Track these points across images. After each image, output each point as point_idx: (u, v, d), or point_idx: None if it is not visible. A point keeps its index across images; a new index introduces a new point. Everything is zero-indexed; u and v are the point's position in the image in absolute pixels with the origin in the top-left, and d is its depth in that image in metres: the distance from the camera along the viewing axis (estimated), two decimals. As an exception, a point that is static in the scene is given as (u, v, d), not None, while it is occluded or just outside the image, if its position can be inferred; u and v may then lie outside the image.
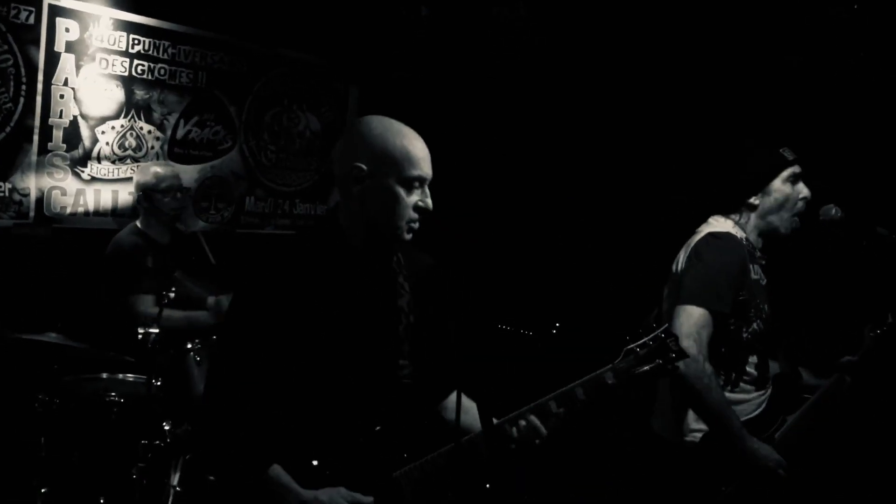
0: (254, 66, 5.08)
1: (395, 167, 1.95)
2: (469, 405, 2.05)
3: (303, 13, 5.13)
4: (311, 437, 1.98)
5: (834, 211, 2.60)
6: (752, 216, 2.66)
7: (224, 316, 2.96)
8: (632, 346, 2.02)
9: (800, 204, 2.63)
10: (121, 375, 3.56)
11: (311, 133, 5.45)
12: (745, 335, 2.57)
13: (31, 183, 4.22)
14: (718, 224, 2.68)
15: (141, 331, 3.18)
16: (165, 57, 4.65)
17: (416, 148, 1.98)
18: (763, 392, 2.65)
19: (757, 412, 2.62)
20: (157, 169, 4.05)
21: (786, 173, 2.61)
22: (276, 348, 1.95)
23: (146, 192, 3.99)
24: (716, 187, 2.71)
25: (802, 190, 2.63)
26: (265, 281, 2.00)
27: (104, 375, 3.55)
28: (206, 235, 4.79)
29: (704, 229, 2.67)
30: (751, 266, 2.59)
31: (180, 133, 4.80)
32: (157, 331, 3.22)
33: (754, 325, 2.58)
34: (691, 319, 2.43)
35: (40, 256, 4.24)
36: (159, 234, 4.03)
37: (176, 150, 4.79)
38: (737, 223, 2.66)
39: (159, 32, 4.61)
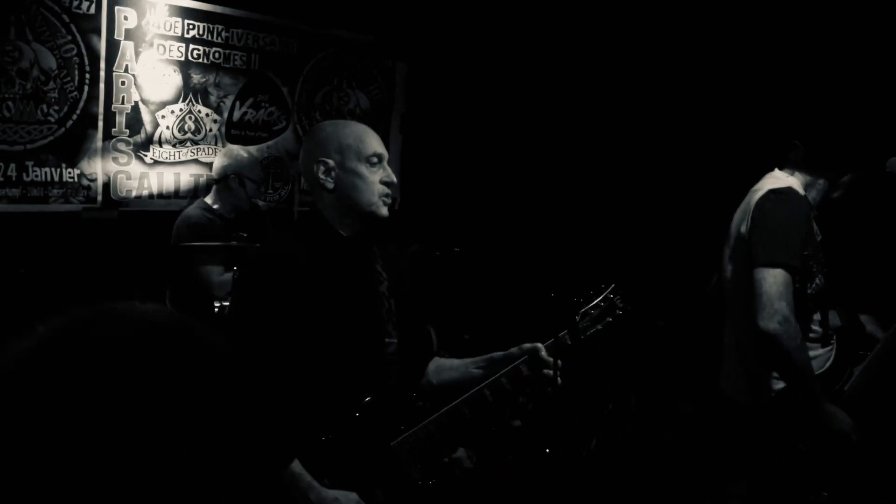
0: (304, 46, 5.17)
1: (353, 151, 2.22)
2: (447, 364, 2.38)
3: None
4: (311, 414, 2.13)
5: None
6: (825, 182, 2.66)
7: (231, 300, 3.08)
8: (586, 307, 2.19)
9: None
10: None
11: (360, 111, 5.53)
12: (809, 291, 2.56)
13: (98, 168, 4.37)
14: (778, 180, 2.65)
15: (217, 304, 3.29)
16: (219, 41, 4.76)
17: (366, 132, 2.27)
18: (829, 348, 2.65)
19: (824, 368, 2.62)
20: (249, 157, 4.21)
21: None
22: (280, 332, 2.12)
23: (241, 177, 4.10)
24: (790, 146, 2.66)
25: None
26: (259, 273, 2.20)
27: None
28: (265, 214, 4.94)
29: (764, 185, 2.64)
30: (812, 222, 2.59)
31: (236, 115, 4.92)
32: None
33: (817, 281, 2.57)
34: (777, 280, 2.41)
35: (109, 239, 4.39)
36: (228, 210, 4.14)
37: (233, 132, 4.91)
38: (811, 178, 2.65)
39: (213, 17, 4.72)
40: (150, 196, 4.60)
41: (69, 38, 4.19)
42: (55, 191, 4.23)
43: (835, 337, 2.71)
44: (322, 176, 2.23)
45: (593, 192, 5.28)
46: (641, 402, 4.37)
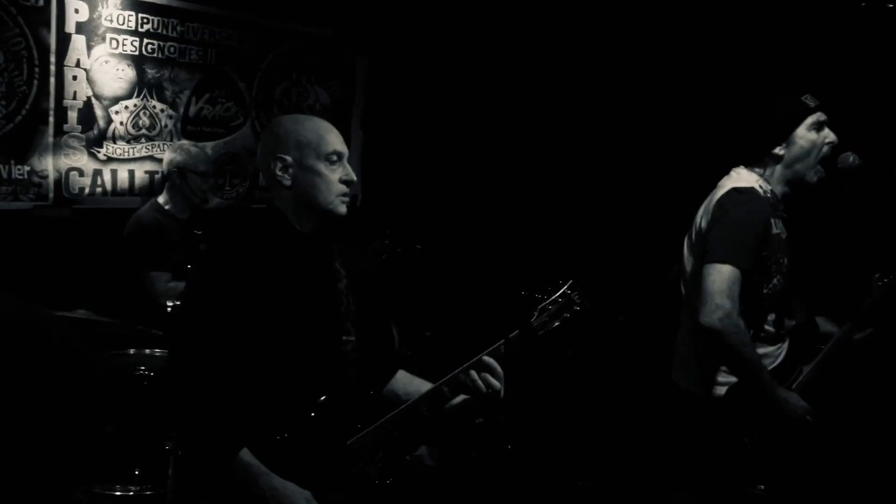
0: (261, 41, 5.10)
1: (312, 148, 2.18)
2: (410, 377, 2.37)
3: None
4: (266, 412, 2.11)
5: (852, 159, 2.61)
6: (778, 167, 2.63)
7: (182, 297, 3.02)
8: (544, 303, 2.16)
9: (825, 149, 2.59)
10: (148, 350, 3.61)
11: (320, 106, 5.47)
12: (765, 291, 2.58)
13: (49, 165, 4.26)
14: (741, 178, 2.65)
15: (170, 304, 3.23)
16: (174, 35, 4.67)
17: (326, 129, 2.22)
18: (778, 346, 2.68)
19: (773, 366, 2.65)
20: (196, 150, 4.13)
21: (810, 120, 2.57)
22: (235, 328, 2.09)
23: (183, 171, 4.02)
24: (737, 139, 2.67)
25: (829, 135, 2.59)
26: (221, 265, 2.16)
27: (132, 351, 3.60)
28: (222, 212, 4.87)
29: (727, 183, 2.65)
30: (773, 221, 2.59)
31: (192, 111, 4.83)
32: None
33: (774, 281, 2.59)
34: (723, 276, 2.44)
35: (61, 237, 4.29)
36: (180, 210, 4.07)
37: (189, 128, 4.83)
38: (762, 176, 2.64)
39: (167, 10, 4.63)
40: (104, 193, 4.50)
41: (17, 31, 4.07)
42: (4, 188, 4.11)
43: (787, 335, 2.73)
44: (279, 173, 2.18)
45: (554, 188, 5.29)
46: (603, 397, 4.39)
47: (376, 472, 2.22)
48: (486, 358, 2.15)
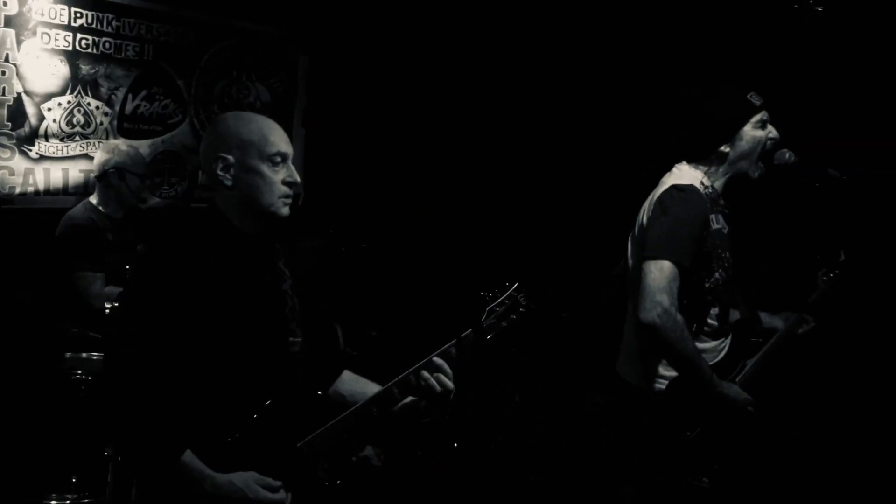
0: (201, 37, 5.00)
1: (255, 148, 2.12)
2: (356, 378, 2.36)
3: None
4: (213, 416, 2.08)
5: (788, 155, 2.67)
6: (723, 165, 2.66)
7: (121, 298, 2.96)
8: (492, 305, 2.18)
9: (768, 145, 2.64)
10: (84, 354, 3.51)
11: (261, 104, 5.39)
12: (707, 286, 2.61)
13: (-22, 163, 4.12)
14: (683, 174, 2.67)
15: (108, 306, 3.15)
16: (110, 30, 4.55)
17: (271, 129, 2.17)
18: (721, 341, 2.72)
19: (716, 360, 2.68)
20: (133, 151, 4.02)
21: (755, 118, 2.62)
22: (176, 330, 2.04)
23: (122, 172, 3.92)
24: (681, 135, 2.69)
25: (772, 131, 2.64)
26: (161, 266, 2.10)
27: (67, 355, 3.50)
28: (161, 211, 4.77)
29: (668, 180, 2.67)
30: (713, 216, 2.62)
31: (129, 108, 4.71)
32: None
33: (716, 275, 2.62)
34: (662, 273, 2.47)
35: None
36: (114, 210, 3.97)
37: (125, 126, 4.71)
38: (705, 172, 2.67)
39: (102, 5, 4.51)
40: (37, 193, 4.36)
41: (-58, 24, 3.92)
42: (-70, 188, 3.97)
43: (730, 330, 2.77)
44: (221, 172, 2.13)
45: (497, 186, 5.31)
46: (550, 394, 4.42)
47: (325, 474, 2.21)
48: (436, 359, 2.15)
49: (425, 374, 2.14)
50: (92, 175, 4.16)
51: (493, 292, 2.21)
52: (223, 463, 2.04)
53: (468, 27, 5.28)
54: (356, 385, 2.34)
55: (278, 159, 2.14)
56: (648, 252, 2.52)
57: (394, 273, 4.97)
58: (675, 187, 2.59)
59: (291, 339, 2.22)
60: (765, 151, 2.64)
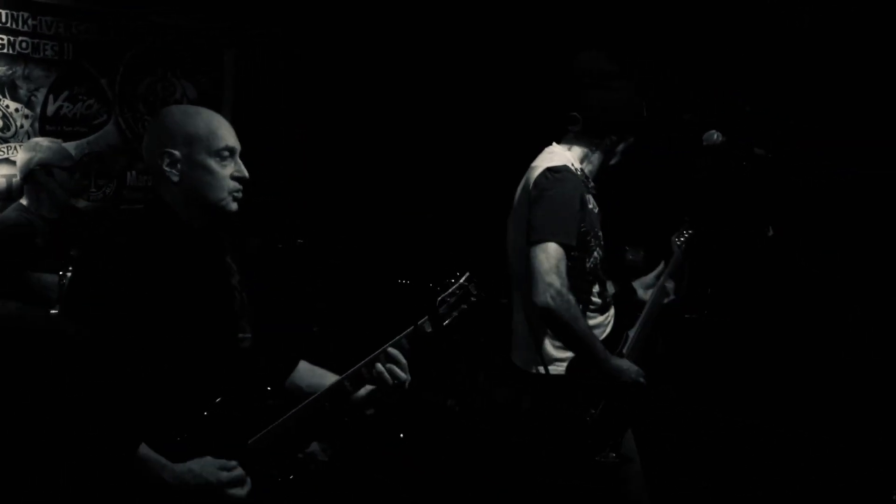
0: (123, 34, 4.87)
1: (203, 143, 2.08)
2: (312, 368, 2.33)
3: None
4: (163, 413, 2.05)
5: (716, 136, 2.76)
6: (602, 152, 2.78)
7: (65, 298, 2.87)
8: (443, 295, 2.19)
9: (629, 145, 2.81)
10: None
11: (188, 101, 5.27)
12: (588, 265, 2.68)
13: None
14: (555, 156, 2.72)
15: (54, 310, 3.07)
16: (26, 29, 4.42)
17: (218, 123, 2.13)
18: (607, 315, 2.80)
19: (605, 335, 2.75)
20: (54, 145, 3.82)
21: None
22: (122, 328, 2.00)
23: (48, 168, 3.73)
24: (568, 119, 2.76)
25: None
26: (105, 262, 2.05)
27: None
28: (90, 214, 4.65)
29: (541, 163, 2.71)
30: (587, 196, 2.69)
31: (51, 109, 4.58)
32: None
33: (595, 254, 2.70)
34: (549, 255, 2.51)
35: None
36: (49, 210, 3.79)
37: (48, 128, 4.57)
38: (582, 156, 2.76)
39: (17, 3, 4.37)
40: (-41, 200, 4.21)
41: None
42: None
43: (612, 305, 2.84)
44: (167, 168, 2.07)
45: (428, 176, 5.33)
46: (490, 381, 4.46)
47: (278, 471, 2.20)
48: (390, 350, 2.15)
49: (378, 365, 2.14)
50: (16, 178, 4.00)
51: (445, 282, 2.22)
52: (176, 458, 2.01)
53: (391, 21, 5.28)
54: (313, 376, 2.32)
55: (226, 154, 2.10)
56: (533, 236, 2.56)
57: (332, 267, 4.96)
58: (548, 169, 2.64)
59: (241, 335, 2.20)
60: (627, 150, 2.81)
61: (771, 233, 2.99)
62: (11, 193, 4.31)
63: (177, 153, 2.07)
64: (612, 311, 2.81)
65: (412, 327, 2.17)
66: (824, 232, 3.42)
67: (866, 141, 3.57)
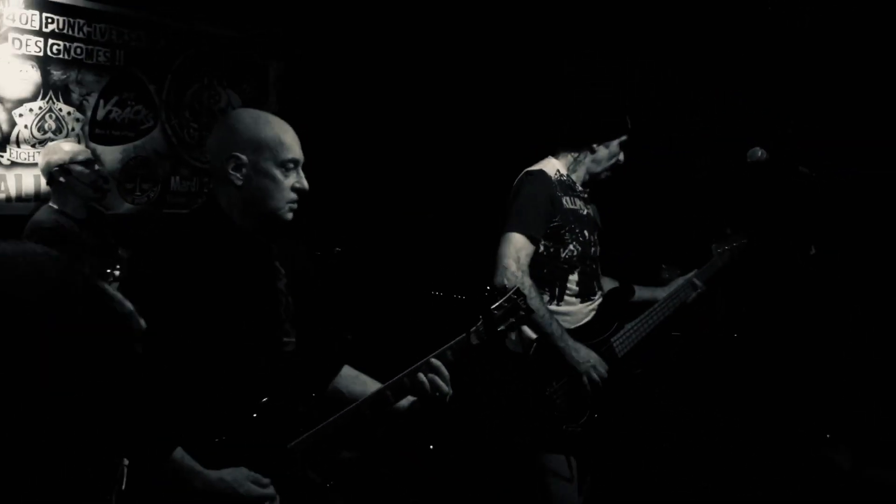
0: (172, 42, 4.99)
1: (271, 152, 2.10)
2: (356, 375, 2.35)
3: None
4: (205, 414, 2.07)
5: (760, 153, 2.79)
6: (588, 158, 3.05)
7: (121, 289, 2.94)
8: (490, 308, 2.20)
9: (617, 163, 3.06)
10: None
11: (232, 109, 5.39)
12: (563, 255, 2.95)
13: (-51, 170, 4.07)
14: (541, 163, 3.04)
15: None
16: (81, 35, 4.53)
17: (287, 134, 2.14)
18: (588, 304, 3.01)
19: (586, 320, 2.99)
20: (67, 145, 3.88)
21: (623, 138, 3.03)
22: (171, 329, 2.00)
23: (63, 168, 3.78)
24: (566, 129, 3.07)
25: (622, 155, 3.06)
26: (158, 263, 2.08)
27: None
28: (133, 217, 4.74)
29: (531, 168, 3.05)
30: (564, 197, 2.98)
31: (101, 114, 4.69)
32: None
33: (570, 247, 2.96)
34: (511, 243, 2.82)
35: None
36: (75, 209, 3.83)
37: (97, 132, 4.68)
38: (568, 164, 3.06)
39: (73, 10, 4.49)
40: (8, 199, 4.32)
41: (-88, 29, 3.87)
42: None
43: (601, 295, 3.07)
44: (231, 171, 2.09)
45: (469, 188, 5.37)
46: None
47: (316, 475, 2.22)
48: (433, 360, 2.14)
49: (420, 376, 2.13)
50: (43, 184, 4.05)
51: (493, 295, 2.23)
52: (214, 461, 2.03)
53: (434, 33, 5.35)
54: (355, 383, 2.34)
55: (291, 165, 2.12)
56: (504, 227, 2.87)
57: (369, 276, 5.00)
58: (525, 172, 3.01)
59: (285, 338, 2.21)
60: (615, 165, 3.06)
61: (813, 251, 3.00)
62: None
63: (244, 158, 2.09)
64: (596, 302, 3.03)
65: (458, 339, 2.16)
66: (826, 232, 3.44)
67: (868, 141, 3.57)
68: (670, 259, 3.52)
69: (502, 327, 2.19)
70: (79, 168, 3.79)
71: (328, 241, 4.86)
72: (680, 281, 3.19)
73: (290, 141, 2.13)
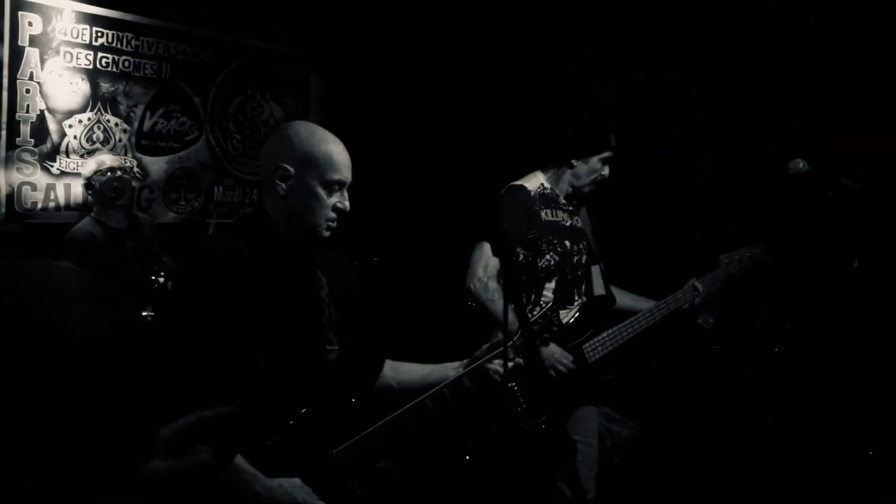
0: (216, 56, 5.10)
1: (318, 170, 2.12)
2: (397, 365, 2.40)
3: (263, 1, 5.16)
4: (252, 420, 2.04)
5: (801, 164, 2.76)
6: (568, 173, 3.18)
7: (166, 300, 3.03)
8: (529, 322, 2.19)
9: (599, 178, 3.16)
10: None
11: (274, 121, 5.49)
12: (541, 264, 3.09)
13: (1, 179, 4.19)
14: (525, 178, 3.20)
15: (145, 313, 3.21)
16: (129, 49, 4.65)
17: (339, 154, 2.16)
18: (565, 311, 3.11)
19: (560, 325, 3.06)
20: (93, 162, 4.05)
21: (605, 154, 3.13)
22: (217, 335, 2.05)
23: (89, 182, 3.99)
24: (546, 145, 3.23)
25: (605, 171, 3.15)
26: (204, 269, 2.11)
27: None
28: (177, 227, 4.83)
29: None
30: (544, 210, 3.13)
31: (147, 125, 4.80)
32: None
33: (547, 257, 3.09)
34: (481, 252, 3.03)
35: (13, 253, 4.19)
36: (116, 220, 4.00)
37: (143, 143, 4.79)
38: (549, 177, 3.21)
39: (122, 24, 4.61)
40: (57, 208, 4.43)
41: (-31, 43, 4.01)
42: (-46, 203, 4.04)
43: (581, 302, 3.16)
44: (278, 181, 2.13)
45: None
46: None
47: (359, 483, 2.23)
48: (476, 369, 2.20)
49: (465, 381, 2.19)
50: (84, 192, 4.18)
51: (530, 310, 2.27)
52: (263, 467, 2.04)
53: (472, 46, 5.38)
54: (398, 372, 2.38)
55: (336, 187, 2.14)
56: (480, 237, 3.06)
57: (407, 285, 5.03)
58: (507, 187, 3.19)
59: (328, 346, 2.24)
60: (597, 180, 3.16)
61: (857, 264, 2.95)
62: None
63: (291, 169, 2.12)
64: (574, 309, 3.12)
65: (496, 351, 2.20)
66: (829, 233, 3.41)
67: (870, 142, 3.52)
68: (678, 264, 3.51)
69: (538, 342, 2.24)
70: (99, 178, 3.96)
71: (367, 251, 4.90)
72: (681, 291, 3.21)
73: (339, 161, 2.14)
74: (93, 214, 4.02)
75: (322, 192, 2.13)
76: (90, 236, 3.91)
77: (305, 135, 2.16)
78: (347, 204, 2.17)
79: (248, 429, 2.06)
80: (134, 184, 4.23)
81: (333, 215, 2.15)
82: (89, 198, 4.02)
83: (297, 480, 2.06)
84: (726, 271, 3.15)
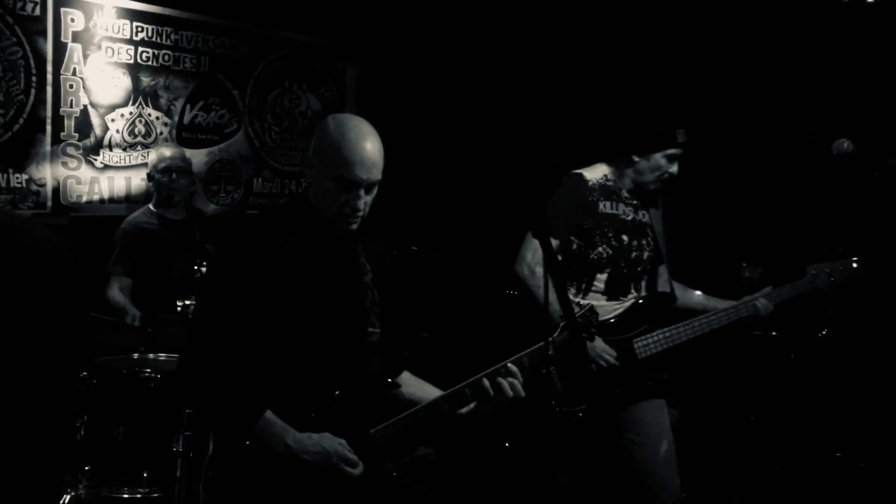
0: (254, 48, 5.14)
1: (330, 164, 2.15)
2: (413, 381, 2.40)
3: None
4: (294, 396, 2.14)
5: (846, 145, 2.71)
6: (630, 168, 3.13)
7: (204, 280, 3.10)
8: (573, 320, 2.20)
9: (665, 175, 3.09)
10: (151, 355, 3.61)
11: (312, 113, 5.52)
12: (592, 256, 3.07)
13: (47, 173, 4.28)
14: (592, 167, 3.17)
15: (179, 303, 3.25)
16: (169, 43, 4.71)
17: (358, 152, 2.13)
18: (617, 303, 3.09)
19: (610, 317, 3.05)
20: (161, 150, 4.18)
21: (670, 151, 3.05)
22: (256, 312, 2.12)
23: (149, 175, 4.15)
24: (612, 139, 3.19)
25: (672, 168, 3.07)
26: (246, 248, 2.20)
27: (135, 356, 3.60)
28: (217, 218, 4.89)
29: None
30: (603, 202, 3.09)
31: (187, 118, 4.87)
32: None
33: (599, 249, 3.07)
34: (531, 238, 2.98)
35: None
36: (173, 212, 4.10)
37: (184, 135, 4.86)
38: (614, 170, 3.15)
39: (161, 19, 4.68)
40: (101, 201, 4.52)
41: (14, 40, 4.10)
42: (2, 196, 4.13)
43: (637, 297, 3.11)
44: (307, 169, 2.24)
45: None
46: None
47: (392, 466, 2.26)
48: (510, 365, 2.21)
49: (499, 378, 2.19)
50: (133, 186, 4.31)
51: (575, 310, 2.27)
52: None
53: (511, 35, 5.35)
54: (415, 387, 2.39)
55: (348, 185, 2.15)
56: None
57: (445, 275, 5.03)
58: (566, 174, 3.17)
59: (370, 329, 2.29)
60: (662, 177, 3.09)
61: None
62: (149, 197, 4.59)
63: (314, 161, 2.21)
64: (627, 302, 3.09)
65: (536, 346, 2.21)
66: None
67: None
68: (751, 258, 3.45)
69: (585, 335, 2.26)
70: (158, 177, 4.09)
71: (404, 241, 4.91)
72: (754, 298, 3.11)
73: (355, 160, 2.13)
74: (151, 206, 4.12)
75: (331, 187, 2.15)
76: (139, 228, 4.01)
77: (334, 129, 2.19)
78: (359, 204, 2.16)
79: (288, 403, 2.12)
80: (192, 189, 4.34)
81: (347, 211, 2.16)
82: (157, 182, 4.12)
83: (327, 434, 2.11)
84: (811, 284, 3.03)
